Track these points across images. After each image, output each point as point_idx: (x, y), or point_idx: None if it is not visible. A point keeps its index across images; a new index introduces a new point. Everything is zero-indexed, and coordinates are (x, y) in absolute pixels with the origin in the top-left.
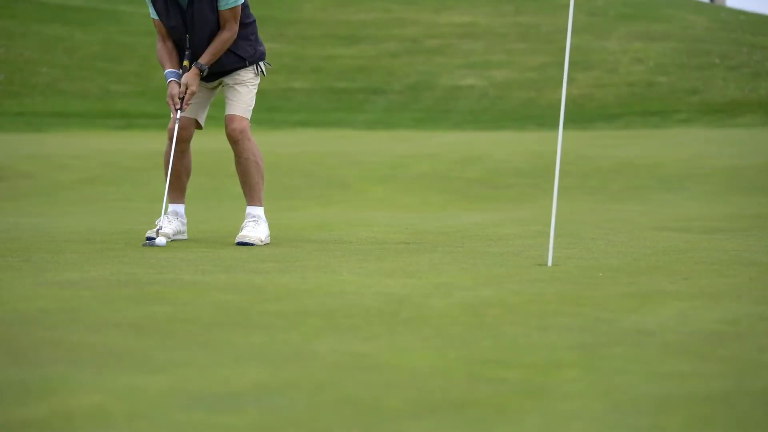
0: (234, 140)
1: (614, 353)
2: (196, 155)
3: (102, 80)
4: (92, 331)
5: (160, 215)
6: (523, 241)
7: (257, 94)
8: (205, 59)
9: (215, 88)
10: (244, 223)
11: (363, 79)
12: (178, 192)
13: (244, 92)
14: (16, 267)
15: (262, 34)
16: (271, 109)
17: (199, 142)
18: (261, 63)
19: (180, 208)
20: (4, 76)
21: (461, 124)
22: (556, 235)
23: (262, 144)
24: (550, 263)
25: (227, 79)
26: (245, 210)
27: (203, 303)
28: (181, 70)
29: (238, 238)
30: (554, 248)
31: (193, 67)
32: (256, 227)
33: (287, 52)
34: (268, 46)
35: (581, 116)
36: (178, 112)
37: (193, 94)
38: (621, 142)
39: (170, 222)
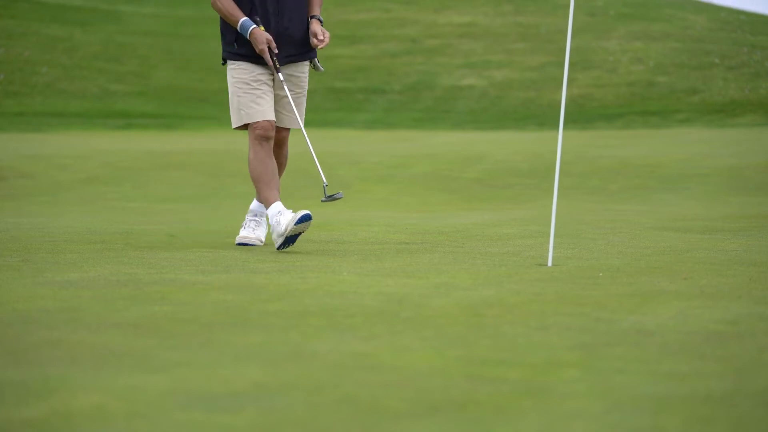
0: (280, 145)
1: (614, 353)
2: (197, 155)
3: (102, 80)
4: (92, 331)
5: (159, 215)
6: (523, 241)
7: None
8: (317, 10)
9: (272, 78)
10: (244, 224)
11: (363, 79)
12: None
13: (303, 103)
14: (16, 267)
15: None
16: None
17: (199, 142)
18: (316, 59)
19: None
20: (4, 76)
21: (461, 124)
22: (556, 235)
23: None
24: (550, 263)
25: (293, 81)
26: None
27: (203, 303)
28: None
29: (238, 239)
30: (554, 248)
31: (314, 20)
32: (256, 228)
33: None
34: None
35: (581, 116)
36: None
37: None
38: (621, 142)
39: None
